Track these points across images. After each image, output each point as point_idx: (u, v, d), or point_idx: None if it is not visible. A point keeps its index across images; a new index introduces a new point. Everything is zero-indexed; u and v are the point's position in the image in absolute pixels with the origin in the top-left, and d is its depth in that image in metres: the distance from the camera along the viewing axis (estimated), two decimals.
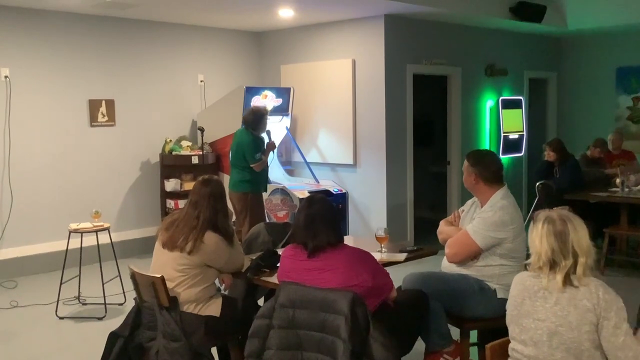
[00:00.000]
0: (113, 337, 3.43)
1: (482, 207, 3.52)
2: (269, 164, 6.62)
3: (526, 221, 6.16)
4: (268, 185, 6.92)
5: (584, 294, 2.25)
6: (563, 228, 2.32)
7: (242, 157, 6.22)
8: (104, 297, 5.22)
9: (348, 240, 3.44)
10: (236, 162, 6.30)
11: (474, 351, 3.61)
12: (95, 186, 7.05)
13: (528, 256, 3.46)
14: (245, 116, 6.37)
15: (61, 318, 5.17)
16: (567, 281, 2.28)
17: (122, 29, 7.18)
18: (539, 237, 2.35)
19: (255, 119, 6.27)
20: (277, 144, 6.89)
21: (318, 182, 7.43)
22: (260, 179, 6.37)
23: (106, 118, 7.11)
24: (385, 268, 3.25)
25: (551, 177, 7.01)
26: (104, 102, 7.08)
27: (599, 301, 2.23)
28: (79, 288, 5.48)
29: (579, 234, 2.32)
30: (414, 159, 7.60)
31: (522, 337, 2.35)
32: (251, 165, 6.16)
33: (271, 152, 6.54)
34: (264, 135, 6.44)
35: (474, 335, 3.65)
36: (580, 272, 2.28)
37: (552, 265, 2.31)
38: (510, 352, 2.41)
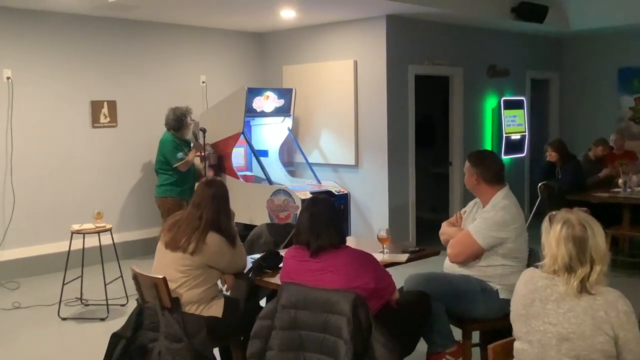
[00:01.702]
0: (115, 338, 3.43)
1: (483, 207, 3.52)
2: (196, 167, 6.41)
3: (528, 221, 6.16)
4: (270, 186, 6.91)
5: (602, 305, 2.18)
6: (583, 234, 2.23)
7: (163, 160, 6.08)
8: (106, 298, 5.22)
9: (350, 241, 3.44)
10: (158, 165, 6.16)
11: (476, 352, 3.61)
12: (98, 187, 7.05)
13: (530, 256, 3.49)
14: (166, 116, 6.22)
15: (63, 319, 5.18)
16: (582, 288, 2.21)
17: (124, 30, 7.19)
18: (555, 240, 2.25)
19: (174, 119, 6.14)
20: (207, 149, 6.53)
21: (320, 183, 7.43)
22: (184, 183, 6.21)
23: (108, 119, 7.12)
24: (387, 269, 3.25)
25: (553, 178, 7.01)
26: (106, 103, 7.09)
27: (618, 314, 2.17)
28: (81, 289, 5.47)
29: (598, 240, 2.23)
30: (416, 160, 7.59)
31: (529, 337, 2.30)
32: (174, 166, 6.00)
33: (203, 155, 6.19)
34: (190, 137, 6.24)
35: (476, 336, 3.64)
36: (594, 279, 2.21)
37: (569, 270, 2.23)
38: (515, 352, 2.38)
